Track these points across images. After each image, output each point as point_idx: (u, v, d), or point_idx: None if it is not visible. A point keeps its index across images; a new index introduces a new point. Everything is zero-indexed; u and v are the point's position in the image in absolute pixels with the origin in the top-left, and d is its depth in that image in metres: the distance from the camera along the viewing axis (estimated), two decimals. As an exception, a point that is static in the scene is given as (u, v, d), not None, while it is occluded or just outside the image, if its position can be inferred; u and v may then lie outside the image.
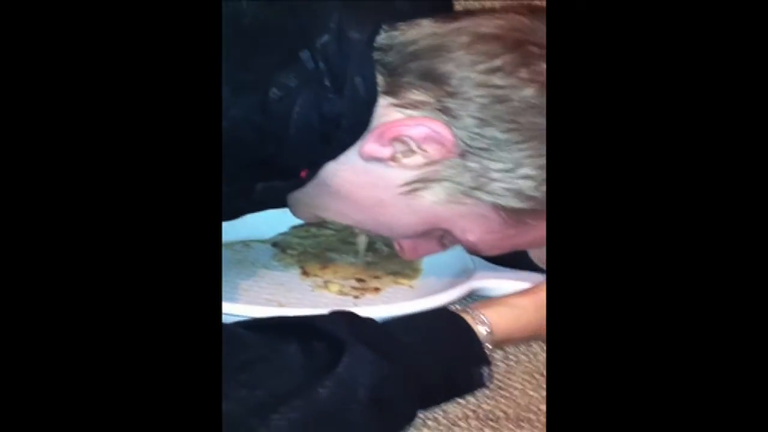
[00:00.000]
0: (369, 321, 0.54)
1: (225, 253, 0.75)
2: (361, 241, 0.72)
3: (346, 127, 0.55)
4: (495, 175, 0.56)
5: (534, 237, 0.60)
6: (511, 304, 0.60)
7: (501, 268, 0.68)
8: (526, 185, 0.56)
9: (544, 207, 0.56)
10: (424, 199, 0.57)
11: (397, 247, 0.66)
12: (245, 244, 0.77)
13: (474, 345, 0.56)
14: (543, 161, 0.55)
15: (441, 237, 0.62)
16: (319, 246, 0.73)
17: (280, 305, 0.65)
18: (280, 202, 0.64)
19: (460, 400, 0.56)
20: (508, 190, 0.56)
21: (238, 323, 0.53)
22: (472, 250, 0.62)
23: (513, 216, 0.57)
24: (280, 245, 0.74)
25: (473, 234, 0.59)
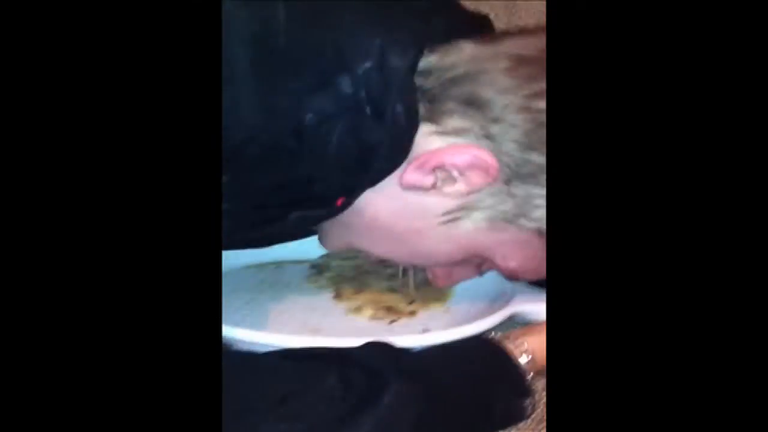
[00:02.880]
0: (405, 352, 0.53)
1: (257, 275, 0.74)
2: (410, 278, 0.69)
3: (386, 154, 0.53)
4: (539, 201, 0.54)
5: None
6: (552, 332, 0.58)
7: (538, 290, 0.67)
8: None
9: None
10: (464, 228, 0.56)
11: (429, 274, 0.64)
12: (278, 265, 0.77)
13: (515, 376, 0.54)
14: None
15: (479, 264, 0.61)
16: (356, 269, 0.72)
17: (313, 330, 0.64)
18: (311, 232, 0.63)
19: (502, 433, 0.55)
20: None
21: (275, 353, 0.52)
22: (512, 277, 0.60)
23: None
24: (318, 266, 0.73)
25: (515, 261, 0.58)
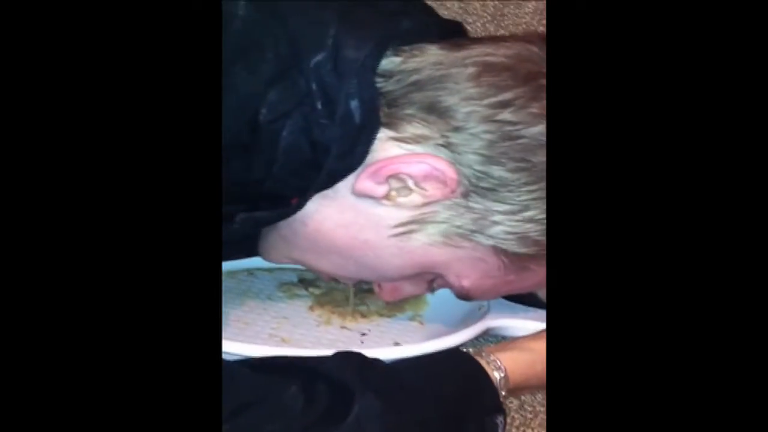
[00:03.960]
0: (377, 364, 0.51)
1: (229, 283, 0.72)
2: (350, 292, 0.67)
3: (339, 154, 0.50)
4: (498, 217, 0.52)
5: (534, 282, 0.56)
6: (527, 348, 0.56)
7: (516, 305, 0.65)
8: (532, 229, 0.52)
9: None
10: (416, 242, 0.53)
11: (376, 288, 0.62)
12: (250, 272, 0.75)
13: (488, 392, 0.52)
14: None
15: (431, 280, 0.58)
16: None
17: (283, 341, 0.62)
18: (256, 240, 0.60)
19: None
20: (511, 233, 0.52)
21: (238, 362, 0.50)
22: (464, 296, 0.57)
23: (515, 261, 0.53)
24: (305, 281, 0.70)
25: (468, 279, 0.55)
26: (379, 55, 0.51)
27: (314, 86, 0.49)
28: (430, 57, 0.52)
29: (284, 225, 0.55)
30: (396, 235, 0.53)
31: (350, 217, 0.53)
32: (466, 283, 0.56)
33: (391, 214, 0.53)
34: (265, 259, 0.63)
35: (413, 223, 0.53)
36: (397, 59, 0.52)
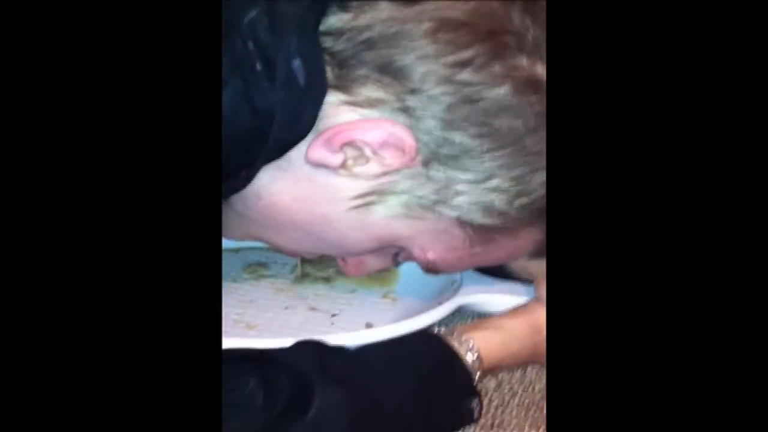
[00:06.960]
0: (339, 351, 0.48)
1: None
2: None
3: (284, 121, 0.47)
4: (461, 186, 0.49)
5: (501, 255, 0.54)
6: (501, 327, 0.53)
7: (488, 279, 0.63)
8: (497, 199, 0.49)
9: (515, 223, 0.50)
10: (377, 214, 0.50)
11: (340, 262, 0.59)
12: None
13: (461, 375, 0.49)
14: (517, 172, 0.48)
15: (395, 253, 0.55)
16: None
17: (249, 327, 0.59)
18: None
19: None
20: (475, 204, 0.49)
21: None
22: (430, 269, 0.55)
23: (480, 233, 0.51)
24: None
25: (433, 252, 0.53)
26: (320, 10, 0.47)
27: (251, 46, 0.45)
28: (381, 12, 0.48)
29: (238, 200, 0.52)
30: (354, 208, 0.50)
31: (305, 190, 0.50)
32: (431, 256, 0.53)
33: (349, 185, 0.50)
34: (225, 237, 0.60)
35: (372, 195, 0.50)
36: (346, 16, 0.48)
